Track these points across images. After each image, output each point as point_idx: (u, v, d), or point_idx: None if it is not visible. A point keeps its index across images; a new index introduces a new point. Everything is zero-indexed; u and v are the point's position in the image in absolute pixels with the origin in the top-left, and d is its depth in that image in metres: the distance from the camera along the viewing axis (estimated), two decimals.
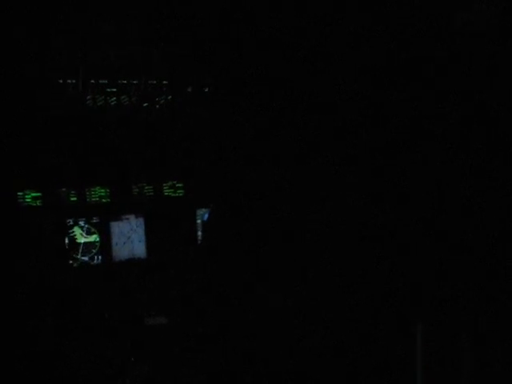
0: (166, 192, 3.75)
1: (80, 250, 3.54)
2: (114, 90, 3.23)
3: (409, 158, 2.26)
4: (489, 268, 2.00)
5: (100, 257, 3.59)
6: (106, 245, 3.59)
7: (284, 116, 2.97)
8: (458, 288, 2.07)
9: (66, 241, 3.46)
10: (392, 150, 2.32)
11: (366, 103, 2.45)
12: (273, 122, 3.02)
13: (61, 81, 3.07)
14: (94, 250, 3.58)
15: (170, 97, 3.38)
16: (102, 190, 3.59)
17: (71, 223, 3.52)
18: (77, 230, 3.53)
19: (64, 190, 3.50)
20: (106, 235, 3.59)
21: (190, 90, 3.36)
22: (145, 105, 3.38)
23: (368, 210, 2.41)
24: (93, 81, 3.13)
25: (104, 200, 3.60)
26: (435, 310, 2.16)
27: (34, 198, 3.41)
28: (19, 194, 3.36)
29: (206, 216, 3.70)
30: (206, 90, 3.40)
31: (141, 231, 3.68)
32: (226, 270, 2.51)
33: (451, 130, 2.11)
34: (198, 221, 3.77)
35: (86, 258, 3.55)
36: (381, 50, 2.30)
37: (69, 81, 3.09)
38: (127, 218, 3.66)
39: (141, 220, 3.68)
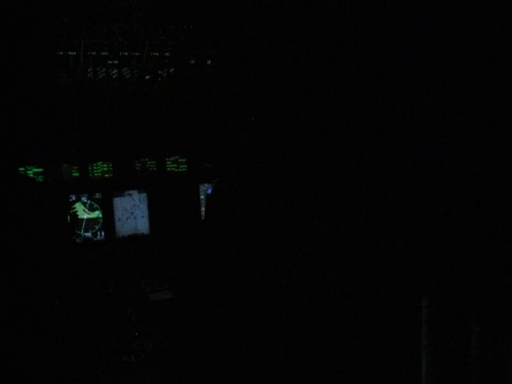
0: (169, 167, 3.72)
1: (83, 226, 3.52)
2: (116, 62, 3.16)
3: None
4: (497, 249, 1.98)
5: (103, 233, 3.57)
6: (108, 221, 3.57)
7: (288, 90, 2.92)
8: (466, 267, 2.05)
9: (69, 217, 3.44)
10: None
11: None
12: (276, 96, 2.98)
13: (61, 53, 3.01)
14: (96, 226, 3.56)
15: (172, 69, 3.32)
16: (105, 166, 3.56)
17: (73, 199, 3.49)
18: (79, 206, 3.51)
19: (66, 165, 3.47)
20: (108, 211, 3.57)
21: (192, 62, 3.30)
22: (147, 77, 3.32)
23: (377, 203, 2.39)
24: (94, 53, 3.07)
25: (107, 175, 3.57)
26: (443, 288, 2.14)
27: (36, 174, 3.38)
28: (21, 169, 3.33)
29: (209, 191, 3.67)
30: (209, 62, 3.33)
31: (144, 207, 3.65)
32: (228, 244, 2.49)
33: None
34: (201, 196, 3.74)
35: (89, 234, 3.53)
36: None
37: (70, 53, 3.03)
38: (130, 194, 3.63)
39: (144, 195, 3.66)
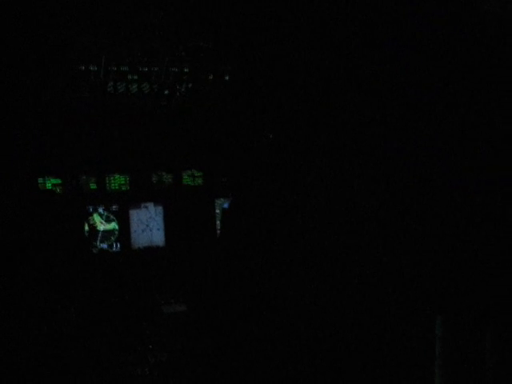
0: (185, 181, 3.75)
1: (99, 238, 3.55)
2: (136, 77, 3.21)
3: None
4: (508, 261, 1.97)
5: (119, 244, 3.60)
6: (124, 232, 3.60)
7: (304, 106, 2.95)
8: (479, 280, 2.04)
9: (86, 228, 3.48)
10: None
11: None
12: (291, 112, 3.00)
13: (83, 68, 3.07)
14: (112, 238, 3.59)
15: (190, 84, 3.36)
16: (122, 178, 3.60)
17: (90, 211, 3.53)
18: (96, 218, 3.55)
19: (84, 177, 3.51)
20: (124, 223, 3.60)
21: (211, 77, 3.34)
22: (166, 92, 3.36)
23: (388, 208, 2.38)
24: (114, 68, 3.12)
25: (123, 188, 3.61)
26: (457, 303, 2.13)
27: (55, 185, 3.42)
28: (40, 180, 3.38)
29: (226, 205, 3.69)
30: (227, 77, 3.37)
31: (159, 219, 3.68)
32: (243, 259, 2.50)
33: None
34: (217, 210, 3.76)
35: (104, 246, 3.56)
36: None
37: (91, 68, 3.08)
38: (146, 206, 3.67)
39: (160, 208, 3.69)
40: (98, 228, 3.54)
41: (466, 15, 2.03)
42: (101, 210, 3.55)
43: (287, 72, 3.04)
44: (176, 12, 2.95)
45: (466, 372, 2.13)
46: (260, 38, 3.15)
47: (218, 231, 3.73)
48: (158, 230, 3.68)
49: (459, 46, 2.04)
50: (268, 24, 3.06)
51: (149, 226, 3.66)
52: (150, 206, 3.67)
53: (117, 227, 3.59)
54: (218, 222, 3.75)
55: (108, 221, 3.57)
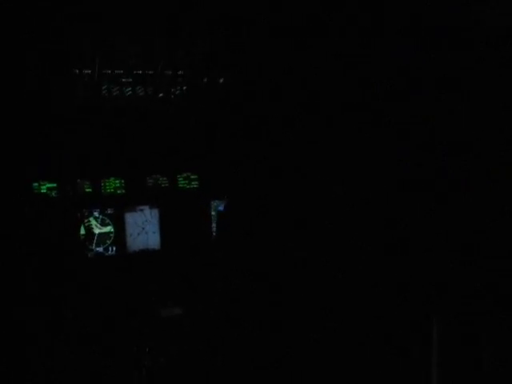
0: (181, 184, 3.75)
1: (94, 241, 3.55)
2: (130, 80, 3.21)
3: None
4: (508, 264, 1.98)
5: (114, 248, 3.60)
6: (120, 236, 3.60)
7: (297, 109, 2.95)
8: (477, 281, 2.05)
9: (81, 232, 3.47)
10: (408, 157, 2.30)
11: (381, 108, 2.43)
12: (286, 115, 3.00)
13: (77, 71, 3.06)
14: (108, 241, 3.59)
15: (185, 87, 3.36)
16: (117, 181, 3.60)
17: (86, 214, 3.53)
18: (91, 221, 3.54)
19: (79, 180, 3.51)
20: (120, 226, 3.60)
21: (205, 80, 3.34)
22: (160, 95, 3.36)
23: (387, 207, 2.39)
24: (108, 71, 3.11)
25: (119, 191, 3.61)
26: (452, 303, 2.14)
27: (50, 189, 3.42)
28: (35, 184, 3.37)
29: (221, 208, 3.70)
30: (221, 80, 3.38)
31: (155, 222, 3.68)
32: (239, 262, 2.50)
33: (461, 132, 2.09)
34: (213, 212, 3.76)
35: (100, 249, 3.56)
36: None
37: (84, 71, 3.07)
38: (142, 209, 3.67)
39: (155, 211, 3.69)
40: (94, 231, 3.54)
41: (469, 29, 2.04)
42: (96, 214, 3.55)
43: (282, 75, 3.04)
44: (171, 18, 2.95)
45: (462, 371, 2.14)
46: (255, 40, 3.15)
47: (214, 233, 3.73)
48: (154, 233, 3.68)
49: (460, 57, 2.06)
50: (263, 26, 3.07)
51: (144, 229, 3.66)
52: (146, 209, 3.67)
53: (112, 230, 3.59)
54: (213, 225, 3.75)
55: (103, 224, 3.57)
